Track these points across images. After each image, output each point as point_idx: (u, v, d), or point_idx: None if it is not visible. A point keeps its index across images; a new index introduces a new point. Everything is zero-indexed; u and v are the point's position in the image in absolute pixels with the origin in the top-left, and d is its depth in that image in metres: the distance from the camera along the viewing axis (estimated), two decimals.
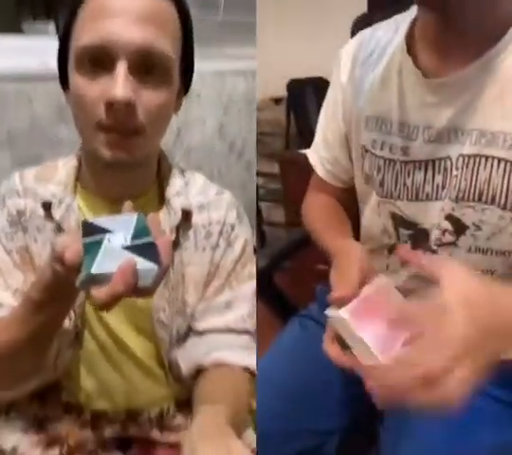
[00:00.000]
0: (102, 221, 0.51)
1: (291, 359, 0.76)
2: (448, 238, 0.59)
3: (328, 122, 0.74)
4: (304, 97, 2.38)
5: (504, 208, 0.54)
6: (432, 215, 0.59)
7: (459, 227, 0.57)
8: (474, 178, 0.55)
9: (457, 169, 0.55)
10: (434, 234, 0.60)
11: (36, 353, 0.59)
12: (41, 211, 0.64)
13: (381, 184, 0.63)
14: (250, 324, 0.71)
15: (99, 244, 0.48)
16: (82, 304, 0.65)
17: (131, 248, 0.47)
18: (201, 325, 0.69)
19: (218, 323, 0.69)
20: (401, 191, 0.61)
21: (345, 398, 0.74)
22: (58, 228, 0.64)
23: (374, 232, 0.68)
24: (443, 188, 0.57)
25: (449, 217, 0.58)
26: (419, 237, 0.62)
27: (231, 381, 0.64)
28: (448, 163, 0.56)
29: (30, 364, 0.60)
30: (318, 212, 0.77)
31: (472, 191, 0.55)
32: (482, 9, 0.49)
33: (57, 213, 0.64)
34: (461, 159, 0.55)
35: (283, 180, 1.83)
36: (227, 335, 0.69)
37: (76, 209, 0.65)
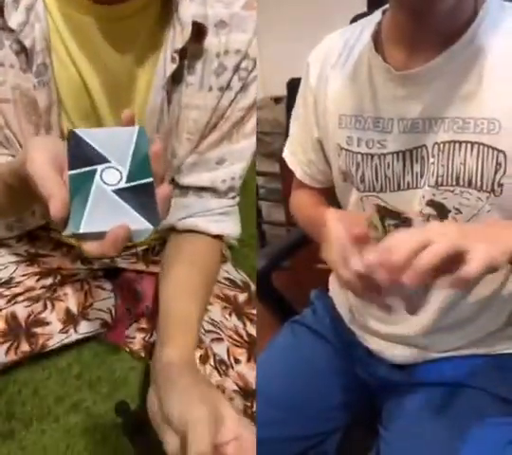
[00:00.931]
0: (94, 137, 0.43)
1: (283, 367, 0.77)
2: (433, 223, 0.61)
3: (301, 127, 0.75)
4: None
5: (480, 189, 0.56)
6: (415, 203, 0.61)
7: (442, 212, 0.60)
8: (450, 163, 0.57)
9: (433, 156, 0.58)
10: (419, 221, 0.62)
11: (15, 210, 0.60)
12: None
13: (362, 179, 0.64)
14: (238, 186, 0.69)
15: (89, 181, 0.40)
16: None
17: (126, 192, 0.41)
18: (185, 180, 0.67)
19: (204, 180, 0.67)
20: (383, 184, 0.62)
21: (341, 403, 0.75)
22: (17, 44, 0.58)
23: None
24: (421, 176, 0.59)
25: (432, 203, 0.60)
26: (404, 226, 0.64)
27: (201, 248, 0.64)
28: (425, 152, 0.58)
29: (10, 214, 0.65)
30: (303, 205, 0.79)
31: (450, 175, 0.57)
32: (449, 5, 0.51)
33: (13, 19, 0.57)
34: (436, 147, 0.57)
35: (284, 180, 1.83)
36: (209, 196, 0.67)
37: (41, 13, 0.58)
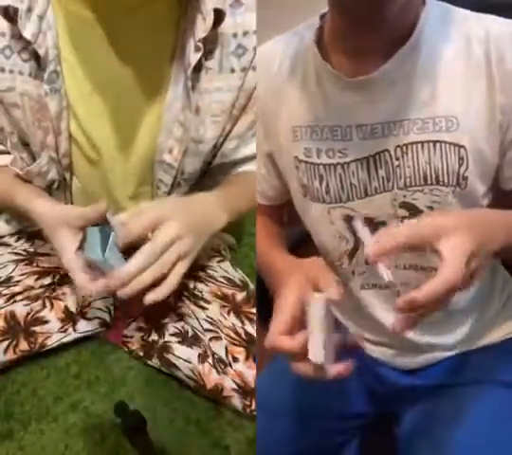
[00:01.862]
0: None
1: (289, 379, 0.75)
2: None
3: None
4: None
5: (448, 184, 0.57)
6: (386, 206, 0.60)
7: (415, 212, 0.60)
8: (416, 164, 0.57)
9: (397, 159, 0.57)
10: (393, 224, 0.61)
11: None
12: (4, 24, 0.58)
13: (327, 191, 0.62)
14: None
15: (107, 232, 0.56)
16: (67, 154, 0.67)
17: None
18: (232, 158, 0.71)
19: (249, 152, 0.71)
20: (349, 193, 0.61)
21: (352, 413, 0.74)
22: (27, 52, 0.59)
23: (331, 242, 0.66)
24: (388, 179, 0.59)
25: (404, 204, 0.60)
26: (378, 230, 0.63)
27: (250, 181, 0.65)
28: (388, 155, 0.58)
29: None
30: (259, 237, 0.74)
31: (417, 175, 0.58)
32: (395, 11, 0.51)
33: (27, 29, 0.57)
34: (399, 150, 0.57)
35: None
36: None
37: (52, 21, 0.58)
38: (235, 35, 0.61)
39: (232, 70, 0.63)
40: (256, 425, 0.69)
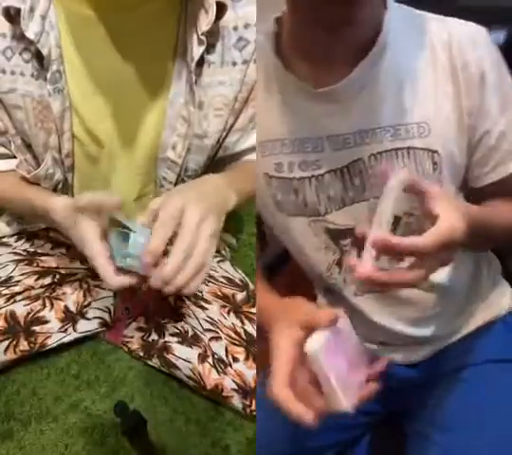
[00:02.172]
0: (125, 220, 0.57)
1: None
2: None
3: None
4: None
5: None
6: (364, 216, 0.59)
7: (394, 220, 0.58)
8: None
9: (372, 168, 0.57)
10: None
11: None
12: (4, 25, 0.58)
13: (305, 204, 0.60)
14: None
15: (126, 236, 0.56)
16: (70, 154, 0.67)
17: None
18: (234, 151, 0.72)
19: (250, 144, 0.71)
20: (327, 205, 0.60)
21: (359, 411, 0.73)
22: (29, 53, 0.59)
23: (317, 255, 0.64)
24: (364, 189, 0.58)
25: None
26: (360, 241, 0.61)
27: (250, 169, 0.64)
28: (362, 165, 0.57)
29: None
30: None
31: None
32: (363, 18, 0.50)
33: (30, 29, 0.56)
34: (373, 158, 0.57)
35: None
36: None
37: (54, 20, 0.58)
38: (236, 28, 0.61)
39: (234, 63, 0.63)
40: (256, 425, 0.69)
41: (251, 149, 0.74)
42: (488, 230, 0.57)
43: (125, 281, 0.57)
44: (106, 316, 0.87)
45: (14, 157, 0.72)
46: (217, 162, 0.75)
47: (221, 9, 0.58)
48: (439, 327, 0.68)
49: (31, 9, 0.56)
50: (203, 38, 0.59)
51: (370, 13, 0.52)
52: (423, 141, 0.56)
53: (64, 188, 0.73)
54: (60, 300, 0.83)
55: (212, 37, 0.60)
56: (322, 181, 0.59)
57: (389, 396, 0.72)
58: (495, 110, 0.57)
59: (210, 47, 0.60)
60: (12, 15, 0.56)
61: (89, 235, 0.58)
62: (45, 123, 0.64)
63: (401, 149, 0.56)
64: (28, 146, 0.70)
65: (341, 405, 0.46)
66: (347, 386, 0.47)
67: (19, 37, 0.59)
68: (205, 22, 0.58)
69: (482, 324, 0.70)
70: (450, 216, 0.46)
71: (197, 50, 0.59)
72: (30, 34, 0.57)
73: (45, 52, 0.58)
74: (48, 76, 0.60)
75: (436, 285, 0.63)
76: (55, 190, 0.73)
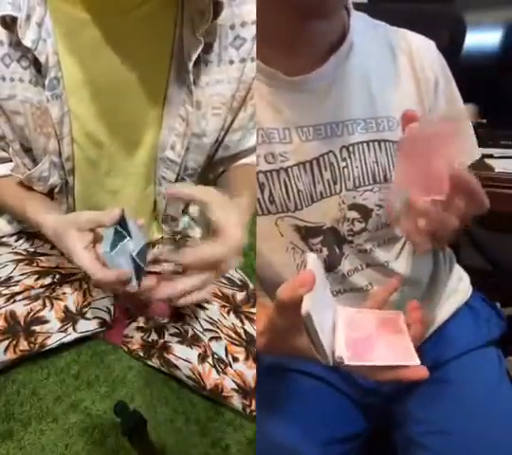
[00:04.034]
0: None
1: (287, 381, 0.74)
2: (359, 225, 0.60)
3: None
4: None
5: None
6: (334, 210, 0.58)
7: (366, 212, 0.60)
8: (363, 164, 0.57)
9: (344, 160, 0.57)
10: (344, 227, 0.60)
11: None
12: (1, 32, 0.58)
13: (271, 200, 0.57)
14: None
15: (121, 237, 0.58)
16: (70, 158, 0.68)
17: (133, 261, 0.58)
18: (235, 151, 0.71)
19: (250, 144, 0.70)
20: (296, 200, 0.57)
21: (349, 418, 0.72)
22: (27, 60, 0.59)
23: (282, 257, 0.60)
24: (335, 182, 0.58)
25: (354, 206, 0.59)
26: (330, 238, 0.60)
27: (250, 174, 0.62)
28: (333, 157, 0.57)
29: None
30: None
31: (366, 175, 0.58)
32: (329, 10, 0.49)
33: (27, 37, 0.56)
34: (344, 150, 0.57)
35: None
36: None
37: (50, 27, 0.58)
38: (233, 26, 0.61)
39: (231, 62, 0.63)
40: (256, 425, 0.69)
41: (251, 150, 0.74)
42: None
43: (110, 275, 0.57)
44: (106, 316, 0.87)
45: (11, 161, 0.72)
46: (217, 162, 0.75)
47: (217, 9, 0.57)
48: None
49: (28, 17, 0.56)
50: (200, 38, 0.59)
51: (339, 12, 0.54)
52: (393, 134, 0.57)
53: (64, 191, 0.73)
54: (60, 300, 0.83)
55: (209, 36, 0.60)
56: (291, 174, 0.56)
57: (370, 409, 0.71)
58: (441, 113, 0.61)
59: (206, 46, 0.60)
60: (8, 23, 0.56)
61: (76, 246, 0.59)
62: (44, 128, 0.65)
63: (373, 141, 0.57)
64: (27, 150, 0.70)
65: (327, 359, 0.46)
66: (330, 339, 0.48)
67: (16, 44, 0.59)
68: (202, 22, 0.58)
69: (450, 314, 0.71)
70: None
71: (195, 50, 0.59)
72: (27, 42, 0.57)
73: (42, 59, 0.58)
74: (46, 82, 0.60)
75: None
76: (51, 193, 0.73)
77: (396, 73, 0.58)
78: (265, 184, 0.56)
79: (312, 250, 0.60)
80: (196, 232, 0.67)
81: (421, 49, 0.60)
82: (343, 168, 0.57)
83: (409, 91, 0.59)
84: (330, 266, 0.62)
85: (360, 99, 0.56)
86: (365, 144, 0.57)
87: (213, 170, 0.77)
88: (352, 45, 0.56)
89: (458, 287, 0.73)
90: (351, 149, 0.57)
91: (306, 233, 0.60)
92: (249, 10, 0.60)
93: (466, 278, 0.76)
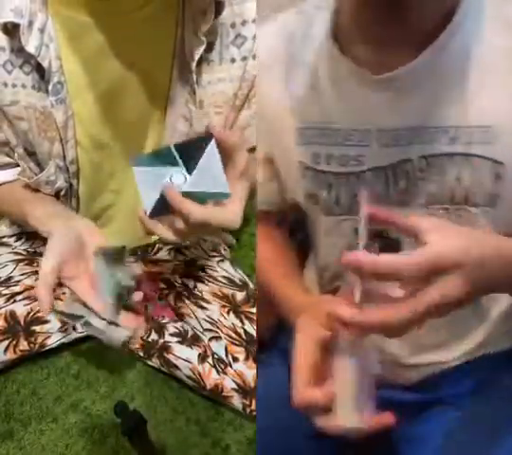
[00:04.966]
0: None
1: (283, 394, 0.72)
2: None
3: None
4: None
5: (477, 204, 0.51)
6: None
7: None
8: (442, 180, 0.50)
9: (422, 171, 0.51)
10: (408, 243, 0.53)
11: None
12: (3, 39, 0.57)
13: (337, 202, 0.55)
14: None
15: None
16: (75, 161, 0.68)
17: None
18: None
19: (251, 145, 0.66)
20: None
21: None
22: (29, 65, 0.59)
23: (337, 255, 0.56)
24: (408, 193, 0.52)
25: None
26: (389, 248, 0.54)
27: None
28: (410, 166, 0.51)
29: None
30: (268, 265, 0.65)
31: (443, 193, 0.51)
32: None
33: (30, 43, 0.56)
34: (424, 161, 0.51)
35: None
36: None
37: (52, 33, 0.57)
38: (234, 25, 0.60)
39: (233, 60, 0.62)
40: (256, 425, 0.69)
41: (251, 150, 0.74)
42: None
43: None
44: None
45: (18, 165, 0.72)
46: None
47: (219, 8, 0.57)
48: (446, 351, 0.61)
49: (30, 24, 0.56)
50: (203, 38, 0.59)
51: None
52: (486, 149, 0.48)
53: (68, 193, 0.73)
54: (60, 299, 0.83)
55: (211, 35, 0.60)
56: (363, 179, 0.53)
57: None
58: None
59: (208, 45, 0.60)
60: (10, 30, 0.56)
61: (50, 260, 0.59)
62: (48, 132, 0.65)
63: (458, 154, 0.49)
64: (31, 154, 0.70)
65: (352, 422, 0.44)
66: (361, 405, 0.45)
67: (18, 50, 0.58)
68: (204, 22, 0.58)
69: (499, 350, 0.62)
70: (442, 241, 0.40)
71: (197, 50, 0.59)
72: (31, 48, 0.56)
73: (45, 65, 0.58)
74: (50, 88, 0.60)
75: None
76: (57, 196, 0.73)
77: (508, 66, 0.47)
78: (332, 185, 0.54)
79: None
80: None
81: None
82: (419, 180, 0.51)
83: None
84: None
85: (454, 102, 0.48)
86: (447, 157, 0.49)
87: None
88: (458, 27, 0.46)
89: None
90: (430, 161, 0.50)
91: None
92: (250, 9, 0.60)
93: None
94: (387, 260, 0.40)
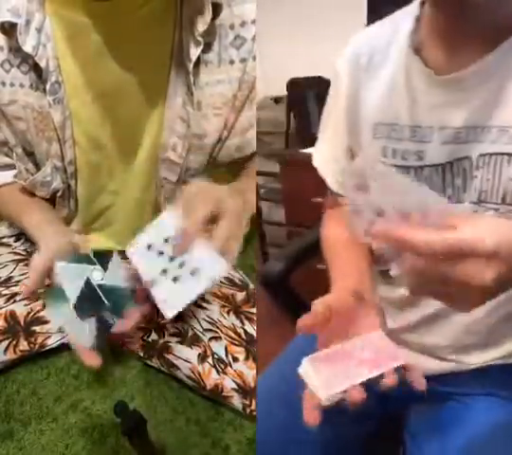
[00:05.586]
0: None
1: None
2: None
3: (331, 135, 0.70)
4: (304, 96, 2.37)
5: None
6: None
7: None
8: (497, 178, 0.52)
9: (478, 169, 0.53)
10: None
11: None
12: (0, 38, 0.58)
13: None
14: None
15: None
16: (72, 161, 0.67)
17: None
18: (236, 157, 0.71)
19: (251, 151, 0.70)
20: None
21: (358, 414, 0.72)
22: (27, 65, 0.59)
23: None
24: (464, 190, 0.55)
25: None
26: None
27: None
28: (468, 164, 0.53)
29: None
30: (337, 249, 0.69)
31: (495, 192, 0.52)
32: (496, 2, 0.46)
33: (27, 43, 0.56)
34: (481, 159, 0.52)
35: (283, 180, 1.83)
36: None
37: (50, 32, 0.58)
38: (232, 26, 0.60)
39: (232, 62, 0.62)
40: (256, 425, 0.69)
41: (252, 155, 0.74)
42: None
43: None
44: None
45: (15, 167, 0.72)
46: (218, 164, 0.75)
47: (216, 9, 0.57)
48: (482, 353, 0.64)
49: (27, 23, 0.56)
50: (200, 39, 0.59)
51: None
52: None
53: (66, 194, 0.73)
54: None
55: (209, 36, 0.60)
56: (420, 174, 0.56)
57: (394, 401, 0.71)
58: None
59: (206, 47, 0.60)
60: (7, 29, 0.56)
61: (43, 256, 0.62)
62: (46, 132, 0.65)
63: None
64: (29, 154, 0.70)
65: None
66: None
67: (16, 50, 0.58)
68: (201, 23, 0.58)
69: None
70: (476, 227, 0.38)
71: (194, 51, 0.59)
72: (28, 48, 0.56)
73: (42, 64, 0.58)
74: (48, 87, 0.60)
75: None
76: (54, 198, 0.72)
77: None
78: None
79: None
80: None
81: None
82: (474, 177, 0.53)
83: None
84: None
85: None
86: (505, 156, 0.51)
87: (214, 170, 0.77)
88: None
89: None
90: (487, 159, 0.52)
91: None
92: (249, 10, 0.60)
93: None
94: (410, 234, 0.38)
